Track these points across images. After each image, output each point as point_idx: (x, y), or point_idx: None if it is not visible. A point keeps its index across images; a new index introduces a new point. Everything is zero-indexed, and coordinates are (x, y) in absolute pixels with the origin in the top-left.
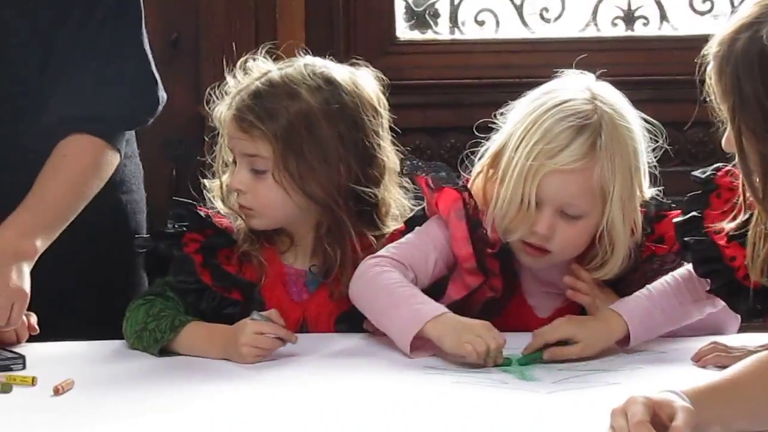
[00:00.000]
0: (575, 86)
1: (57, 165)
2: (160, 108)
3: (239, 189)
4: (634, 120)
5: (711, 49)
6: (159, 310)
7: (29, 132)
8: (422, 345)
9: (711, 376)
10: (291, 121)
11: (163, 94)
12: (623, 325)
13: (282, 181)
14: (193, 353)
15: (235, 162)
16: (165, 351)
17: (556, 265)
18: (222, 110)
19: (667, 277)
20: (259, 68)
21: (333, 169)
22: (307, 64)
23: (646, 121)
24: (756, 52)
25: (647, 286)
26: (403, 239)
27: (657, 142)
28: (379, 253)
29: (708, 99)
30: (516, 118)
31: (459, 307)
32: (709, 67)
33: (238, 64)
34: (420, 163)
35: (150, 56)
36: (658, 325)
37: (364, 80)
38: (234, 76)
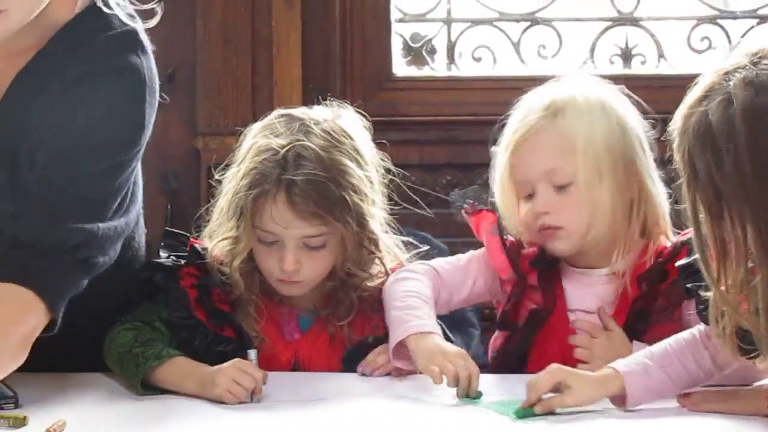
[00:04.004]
0: (565, 85)
1: None
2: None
3: (294, 270)
4: (615, 106)
5: (675, 124)
6: (148, 339)
7: None
8: (406, 355)
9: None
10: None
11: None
12: (618, 379)
13: (335, 248)
14: (170, 387)
15: (267, 242)
16: (146, 384)
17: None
18: (254, 193)
19: (674, 339)
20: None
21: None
22: (318, 122)
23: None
24: (704, 129)
25: (649, 348)
26: (452, 257)
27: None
28: (426, 261)
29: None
30: None
31: (507, 321)
32: (675, 143)
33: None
34: (462, 192)
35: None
36: (659, 384)
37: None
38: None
